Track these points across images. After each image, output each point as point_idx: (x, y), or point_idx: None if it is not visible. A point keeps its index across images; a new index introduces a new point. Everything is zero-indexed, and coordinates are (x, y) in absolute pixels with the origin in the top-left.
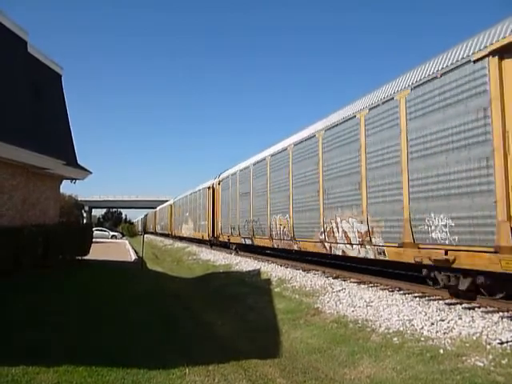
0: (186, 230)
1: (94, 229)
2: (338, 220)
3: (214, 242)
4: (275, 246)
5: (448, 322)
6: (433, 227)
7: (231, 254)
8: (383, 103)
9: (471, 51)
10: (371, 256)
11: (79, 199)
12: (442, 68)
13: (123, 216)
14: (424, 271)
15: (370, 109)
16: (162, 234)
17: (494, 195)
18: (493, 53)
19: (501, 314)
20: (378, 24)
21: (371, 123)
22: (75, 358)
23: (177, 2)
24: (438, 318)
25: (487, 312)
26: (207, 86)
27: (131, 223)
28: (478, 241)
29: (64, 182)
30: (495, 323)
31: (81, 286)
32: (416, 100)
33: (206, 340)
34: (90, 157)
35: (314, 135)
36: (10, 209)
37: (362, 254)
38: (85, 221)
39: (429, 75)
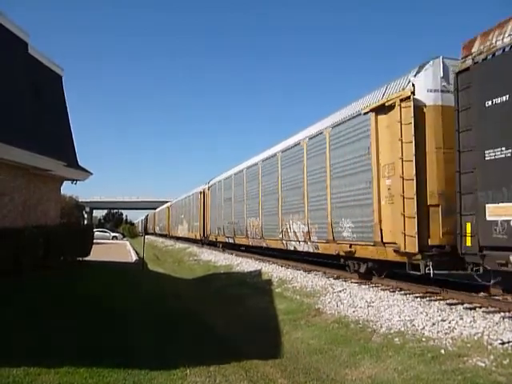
0: (182, 231)
1: (94, 230)
2: (291, 223)
3: (205, 241)
4: (250, 244)
5: (449, 323)
6: (343, 228)
7: (232, 254)
8: (317, 135)
9: (364, 105)
10: (311, 250)
11: (80, 200)
12: (348, 115)
13: (124, 217)
14: (342, 260)
15: (309, 138)
16: (160, 235)
17: (372, 206)
18: (372, 110)
19: (502, 314)
20: (378, 24)
21: (310, 149)
22: (76, 359)
23: (177, 1)
24: (439, 319)
25: (488, 312)
26: (208, 86)
27: (132, 224)
28: (366, 238)
29: (65, 183)
30: (496, 323)
31: (81, 287)
32: (334, 136)
33: (207, 340)
34: (91, 158)
35: (275, 154)
36: (11, 210)
37: (306, 249)
38: (86, 222)
39: (341, 119)
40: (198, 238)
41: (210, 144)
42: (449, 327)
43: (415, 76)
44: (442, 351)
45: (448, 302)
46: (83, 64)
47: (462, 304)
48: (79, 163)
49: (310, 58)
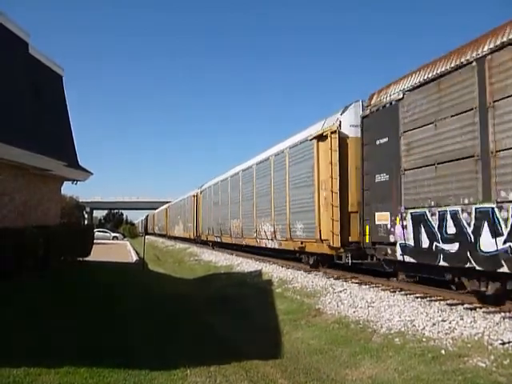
0: (178, 231)
1: (95, 230)
2: (262, 224)
3: (198, 240)
4: (233, 242)
5: (449, 323)
6: (297, 229)
7: (232, 254)
8: (279, 154)
9: (311, 133)
10: (276, 246)
11: (80, 200)
12: (301, 140)
13: (124, 217)
14: (297, 254)
15: (275, 155)
16: (159, 235)
17: (314, 212)
18: (314, 137)
19: (502, 314)
20: (377, 24)
21: (275, 164)
22: (76, 359)
23: (177, 1)
24: (440, 319)
25: (489, 312)
26: (208, 86)
27: (132, 224)
28: (311, 236)
29: (65, 183)
30: (497, 324)
31: (81, 287)
32: (291, 155)
33: (207, 341)
34: (91, 158)
35: (251, 166)
36: (11, 210)
37: (273, 246)
38: (86, 222)
39: (296, 142)
40: (192, 237)
41: (210, 144)
42: (449, 327)
43: (341, 114)
44: (443, 351)
45: (448, 302)
46: (83, 64)
47: (463, 304)
48: (79, 163)
49: (310, 58)
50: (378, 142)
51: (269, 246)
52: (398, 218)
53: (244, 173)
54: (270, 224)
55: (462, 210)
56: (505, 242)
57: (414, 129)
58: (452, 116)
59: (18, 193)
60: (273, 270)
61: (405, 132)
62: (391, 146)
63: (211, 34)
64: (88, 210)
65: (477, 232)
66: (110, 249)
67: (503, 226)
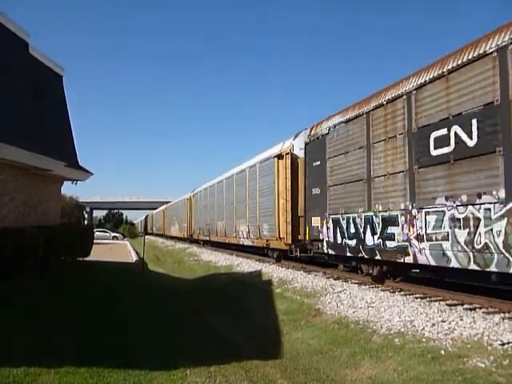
0: (174, 231)
1: (95, 230)
2: (240, 225)
3: (191, 239)
4: (219, 241)
5: (449, 323)
6: (264, 229)
7: (232, 255)
8: (252, 166)
9: (273, 152)
10: (250, 243)
11: (80, 200)
12: (267, 156)
13: (124, 217)
14: (265, 250)
15: (249, 168)
16: (157, 235)
17: (274, 216)
18: (275, 156)
19: (502, 315)
20: (377, 26)
21: (250, 175)
22: (76, 359)
23: (177, 2)
24: (439, 319)
25: (488, 313)
26: (208, 86)
27: (132, 224)
28: (273, 235)
29: (65, 183)
30: (496, 324)
31: (81, 287)
32: (261, 168)
33: (207, 341)
34: (91, 158)
35: (232, 176)
36: (11, 210)
37: (248, 243)
38: (86, 222)
39: (264, 158)
40: (186, 236)
41: (210, 144)
42: (449, 328)
43: (293, 139)
44: (442, 352)
45: (448, 302)
46: (83, 64)
47: (462, 305)
48: (79, 163)
49: (310, 59)
50: (314, 164)
51: (245, 243)
52: (324, 222)
53: (227, 181)
54: (246, 225)
55: (357, 217)
56: (378, 239)
57: (334, 156)
58: (354, 150)
59: (18, 193)
60: (273, 270)
61: (329, 158)
62: (322, 168)
63: (211, 35)
64: (88, 209)
65: (364, 232)
66: (109, 249)
67: (377, 227)
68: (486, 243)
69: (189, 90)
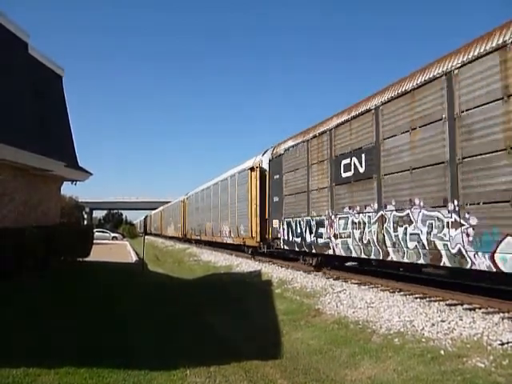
0: (170, 231)
1: (94, 230)
2: (224, 226)
3: (185, 239)
4: (208, 240)
5: (449, 323)
6: (241, 229)
7: (231, 255)
8: (233, 176)
9: (247, 165)
10: (231, 242)
11: (80, 201)
12: (243, 168)
13: (124, 217)
14: (242, 247)
15: (230, 177)
16: (155, 235)
17: (248, 218)
18: (248, 168)
19: (501, 315)
20: (377, 26)
21: (231, 183)
22: (76, 360)
23: (177, 2)
24: (439, 319)
25: (488, 313)
26: (208, 87)
27: (132, 224)
28: (247, 234)
29: (65, 183)
30: (496, 324)
31: (81, 287)
32: (239, 178)
33: (207, 341)
34: (91, 158)
35: (218, 182)
36: (11, 210)
37: (230, 241)
38: (86, 222)
39: (240, 170)
40: (180, 236)
41: (210, 144)
42: (448, 328)
43: (262, 155)
44: (442, 352)
45: (447, 302)
46: (83, 64)
47: (462, 305)
48: (79, 163)
49: (311, 59)
50: (275, 177)
51: (227, 241)
52: (281, 224)
53: (213, 187)
54: (228, 226)
55: (301, 220)
56: (313, 237)
57: (288, 172)
58: (300, 168)
59: (18, 193)
60: (272, 271)
61: (285, 173)
62: (280, 180)
63: (212, 35)
64: (87, 210)
65: (305, 231)
66: (109, 249)
67: (313, 228)
68: (368, 239)
69: (189, 90)
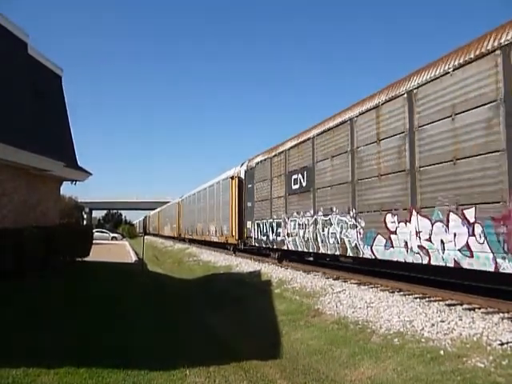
0: (167, 231)
1: (94, 230)
2: (211, 226)
3: (180, 238)
4: (199, 239)
5: (448, 323)
6: (224, 229)
7: (232, 255)
8: (217, 183)
9: (230, 174)
10: (216, 240)
11: (79, 201)
12: (226, 176)
13: (123, 217)
14: (226, 246)
15: (216, 183)
16: (154, 234)
17: (230, 220)
18: (230, 177)
19: (501, 315)
20: (376, 29)
21: (217, 189)
22: (76, 360)
23: (177, 2)
24: (439, 319)
25: (487, 313)
26: (207, 88)
27: (131, 225)
28: (229, 234)
29: (64, 183)
30: (495, 324)
31: (81, 287)
32: (222, 185)
33: (206, 341)
34: (91, 158)
35: (206, 188)
36: (11, 210)
37: (215, 240)
38: (85, 222)
39: (225, 177)
40: (176, 235)
41: (209, 145)
42: (448, 328)
43: (240, 166)
44: (442, 352)
45: (447, 302)
46: (84, 64)
47: (461, 305)
48: (78, 163)
49: (311, 62)
50: (249, 186)
51: (214, 240)
52: (252, 225)
53: (203, 191)
54: (214, 226)
55: (267, 221)
56: (274, 235)
57: (258, 182)
58: (265, 180)
59: (17, 193)
60: (272, 271)
61: (255, 183)
62: (252, 189)
63: (212, 38)
64: (87, 210)
65: (269, 231)
66: (109, 249)
67: (274, 228)
68: (307, 237)
69: (189, 91)
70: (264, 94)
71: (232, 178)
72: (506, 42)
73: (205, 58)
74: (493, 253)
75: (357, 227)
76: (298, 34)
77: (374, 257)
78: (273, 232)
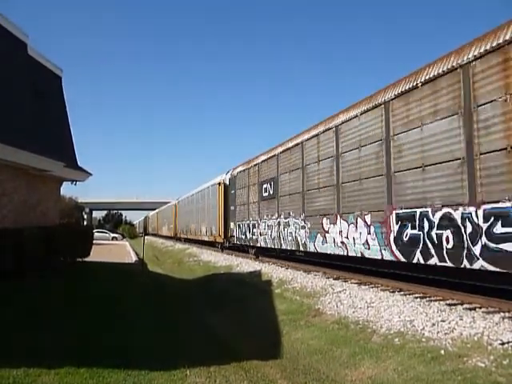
0: (165, 231)
1: (94, 230)
2: (203, 227)
3: (175, 238)
4: (192, 238)
5: (449, 323)
6: (213, 230)
7: (232, 255)
8: (207, 188)
9: (217, 180)
10: (206, 239)
11: (79, 201)
12: (214, 183)
13: (123, 218)
14: (214, 243)
15: (206, 188)
16: (153, 234)
17: (217, 221)
18: (217, 183)
19: (502, 314)
20: (375, 29)
21: (206, 194)
22: (76, 360)
23: (177, 4)
24: (439, 319)
25: (488, 313)
26: (207, 88)
27: (131, 225)
28: (217, 233)
29: (64, 183)
30: (496, 324)
31: (81, 287)
32: (211, 190)
33: (207, 341)
34: (91, 158)
35: (198, 192)
36: (11, 211)
37: (205, 239)
38: (85, 222)
39: (213, 183)
40: (172, 235)
41: (209, 145)
42: (449, 327)
43: (226, 174)
44: (442, 352)
45: (448, 302)
46: (84, 65)
47: (462, 304)
48: (79, 164)
49: (312, 61)
50: (231, 192)
51: (205, 239)
52: (234, 225)
53: (196, 195)
54: (205, 227)
55: (245, 223)
56: (251, 234)
57: (238, 189)
58: (244, 188)
59: (18, 193)
60: (272, 271)
61: (236, 190)
62: (234, 195)
63: (212, 39)
64: (87, 210)
65: (247, 230)
66: (109, 249)
67: (251, 228)
68: (274, 236)
69: (189, 92)
70: (264, 94)
71: (219, 184)
72: (388, 99)
73: (205, 57)
74: (379, 246)
75: (305, 228)
76: (298, 34)
77: (316, 251)
78: (249, 232)
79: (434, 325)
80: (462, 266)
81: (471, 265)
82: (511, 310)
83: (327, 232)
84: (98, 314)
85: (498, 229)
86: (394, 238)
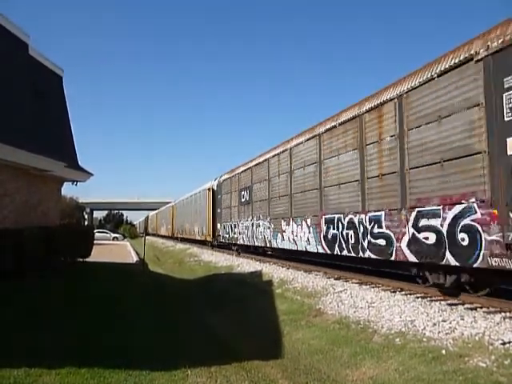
0: (163, 231)
1: (95, 231)
2: (196, 227)
3: (173, 237)
4: (187, 237)
5: (450, 323)
6: (203, 230)
7: (232, 255)
8: (198, 193)
9: (207, 186)
10: (198, 238)
11: (80, 201)
12: (204, 188)
13: (124, 218)
14: (205, 242)
15: (197, 193)
16: (152, 234)
17: (207, 222)
18: (207, 189)
19: (503, 314)
20: (374, 30)
21: (199, 198)
22: (77, 360)
23: (177, 4)
24: (440, 319)
25: (489, 312)
26: (207, 88)
27: (132, 225)
28: (207, 233)
29: (65, 184)
30: (497, 324)
31: (81, 287)
32: (202, 194)
33: (207, 341)
34: (91, 158)
35: (192, 195)
36: (11, 211)
37: (197, 238)
38: (86, 223)
39: (204, 188)
40: (170, 235)
41: (209, 145)
42: (450, 327)
43: (214, 181)
44: (443, 351)
45: (449, 302)
46: (84, 65)
47: (463, 304)
48: (80, 164)
49: (312, 61)
50: (218, 197)
51: (197, 238)
52: (220, 226)
53: (191, 198)
54: (197, 227)
55: (230, 223)
56: (232, 234)
57: (224, 194)
58: (229, 193)
59: (19, 193)
60: (273, 271)
61: (223, 194)
62: (220, 199)
63: (212, 38)
64: (88, 210)
65: (230, 230)
66: (110, 250)
67: (233, 228)
68: (249, 235)
69: (189, 92)
70: (264, 94)
71: (208, 189)
72: (321, 133)
73: (205, 57)
74: (315, 242)
75: (270, 228)
76: (298, 34)
77: (277, 247)
78: (232, 231)
79: (435, 325)
80: (359, 255)
81: (364, 254)
82: None
83: (284, 232)
84: (98, 314)
85: (376, 229)
86: (324, 236)
